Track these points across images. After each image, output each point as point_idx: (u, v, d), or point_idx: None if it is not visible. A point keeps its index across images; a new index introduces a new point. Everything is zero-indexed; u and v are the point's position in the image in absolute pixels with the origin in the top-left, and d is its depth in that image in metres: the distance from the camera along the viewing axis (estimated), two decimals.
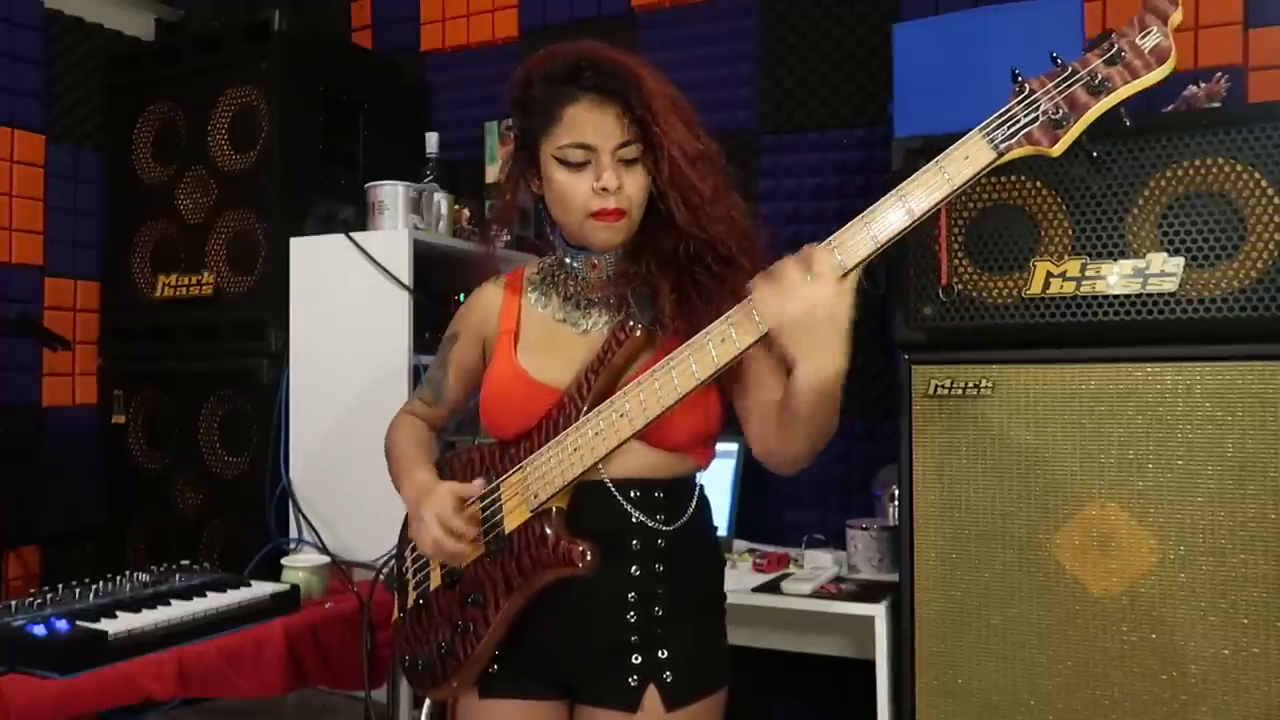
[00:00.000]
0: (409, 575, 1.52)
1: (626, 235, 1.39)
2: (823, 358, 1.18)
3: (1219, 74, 1.91)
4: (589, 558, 1.29)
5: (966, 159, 1.15)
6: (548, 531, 1.32)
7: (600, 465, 1.34)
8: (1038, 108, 1.13)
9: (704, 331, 1.25)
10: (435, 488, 1.40)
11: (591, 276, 1.44)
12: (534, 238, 2.54)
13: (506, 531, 1.36)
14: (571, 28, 2.94)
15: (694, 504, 1.44)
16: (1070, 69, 1.13)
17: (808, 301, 1.16)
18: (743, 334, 1.22)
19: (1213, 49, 2.24)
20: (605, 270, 1.43)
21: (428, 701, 1.60)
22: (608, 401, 1.31)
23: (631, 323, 1.33)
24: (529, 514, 1.34)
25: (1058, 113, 1.13)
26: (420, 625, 1.47)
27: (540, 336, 1.46)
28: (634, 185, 1.36)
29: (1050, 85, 1.14)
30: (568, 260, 1.46)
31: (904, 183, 1.17)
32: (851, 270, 1.18)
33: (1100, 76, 1.12)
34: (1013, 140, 1.14)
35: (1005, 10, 1.95)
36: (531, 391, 1.41)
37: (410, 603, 1.49)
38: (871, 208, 1.17)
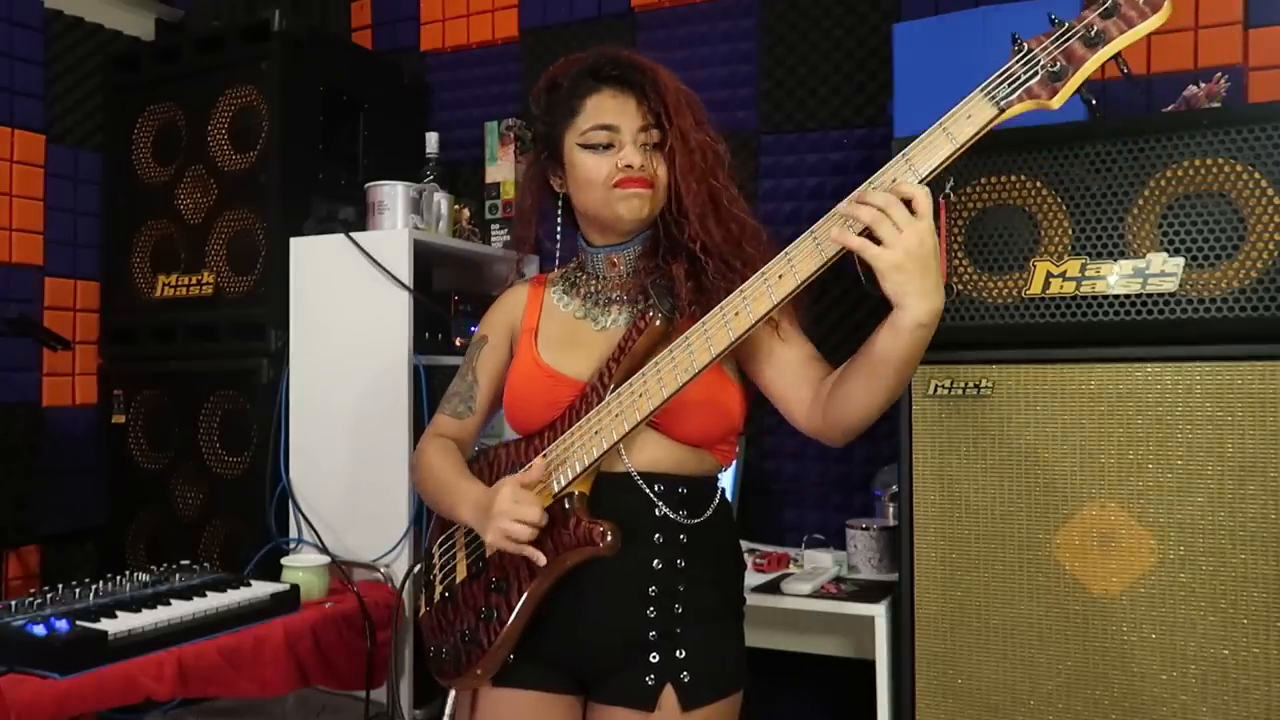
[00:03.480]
0: (436, 572, 1.53)
1: (652, 209, 1.42)
2: (936, 295, 1.16)
3: (1219, 74, 1.91)
4: (609, 538, 1.30)
5: (969, 118, 1.16)
6: (569, 514, 1.34)
7: (625, 456, 1.37)
8: (1037, 63, 1.15)
9: (719, 307, 1.28)
10: (498, 491, 1.35)
11: (611, 275, 1.48)
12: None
13: None
14: (572, 27, 2.94)
15: (716, 503, 1.46)
16: (1067, 25, 1.16)
17: (921, 238, 1.13)
18: (757, 304, 1.25)
19: (1213, 49, 2.24)
20: (624, 267, 1.47)
21: (452, 694, 1.59)
22: (626, 384, 1.34)
23: (651, 312, 1.36)
24: (551, 499, 1.36)
25: (1055, 66, 1.14)
26: (445, 617, 1.48)
27: (561, 332, 1.48)
28: (658, 168, 1.41)
29: (1048, 42, 1.16)
30: (587, 261, 1.50)
31: (909, 146, 1.18)
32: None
33: (1096, 29, 1.14)
34: (1013, 96, 1.15)
35: (1005, 10, 1.94)
36: (554, 383, 1.43)
37: (437, 597, 1.50)
38: (878, 172, 1.19)
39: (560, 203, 1.51)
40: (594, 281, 1.49)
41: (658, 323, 1.35)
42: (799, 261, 1.24)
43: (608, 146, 1.40)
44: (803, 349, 1.42)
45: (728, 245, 1.39)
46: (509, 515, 1.31)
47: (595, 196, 1.42)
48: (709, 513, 1.43)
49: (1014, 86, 1.15)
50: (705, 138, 1.41)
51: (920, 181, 1.16)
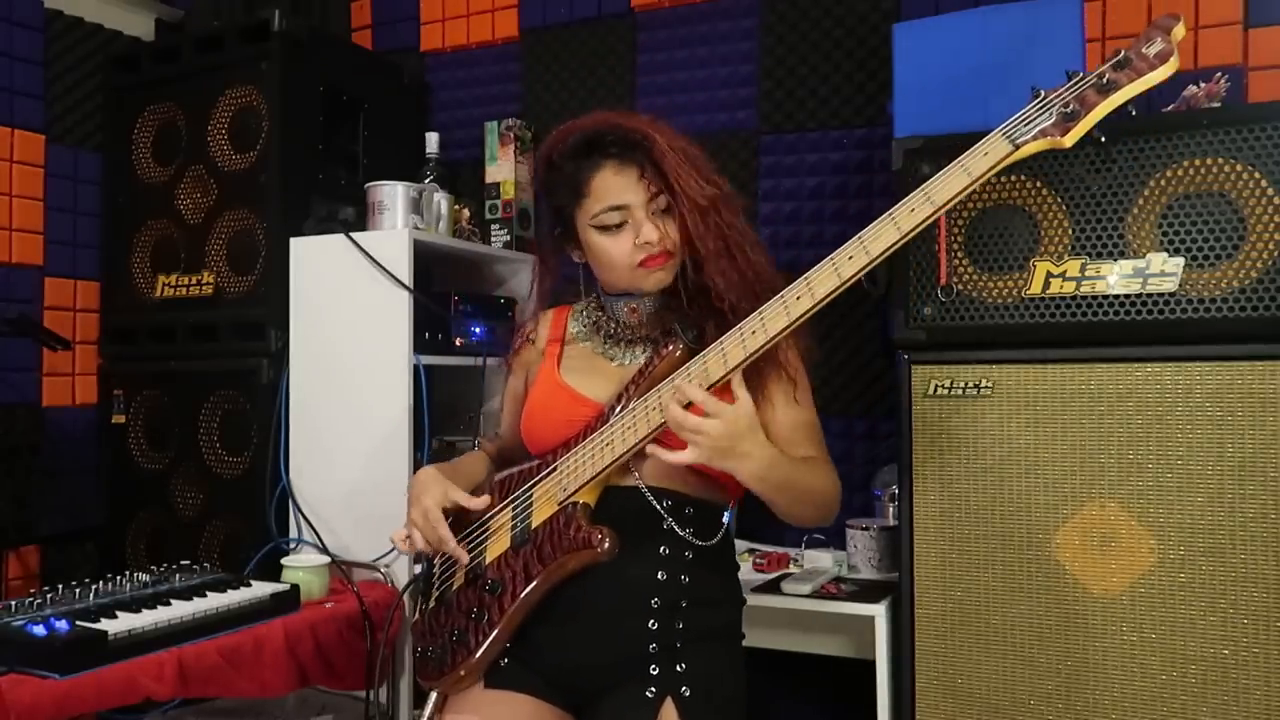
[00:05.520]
0: (435, 578, 1.54)
1: (674, 272, 1.47)
2: (753, 459, 1.27)
3: (1219, 74, 1.91)
4: (607, 543, 1.31)
5: (985, 155, 1.26)
6: (570, 520, 1.35)
7: (635, 470, 1.38)
8: (1052, 108, 1.26)
9: (735, 328, 1.33)
10: (426, 489, 1.47)
11: (631, 321, 1.52)
12: (532, 237, 2.53)
13: (533, 526, 1.38)
14: (572, 27, 2.94)
15: (722, 533, 1.47)
16: (1081, 75, 1.27)
17: (715, 435, 1.24)
18: (773, 323, 1.29)
19: (1213, 49, 2.24)
20: (644, 314, 1.51)
21: (432, 696, 1.56)
22: (641, 400, 1.36)
23: (671, 344, 1.39)
24: (556, 507, 1.37)
25: (1069, 108, 1.25)
26: (438, 620, 1.48)
27: (581, 361, 1.53)
28: (673, 229, 1.44)
29: (1064, 90, 1.27)
30: (607, 305, 1.55)
31: (929, 181, 1.29)
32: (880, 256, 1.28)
33: (1108, 78, 1.25)
34: (1029, 135, 1.25)
35: (1005, 10, 1.94)
36: (574, 401, 1.46)
37: (432, 602, 1.50)
38: (894, 208, 1.29)
39: (581, 268, 1.57)
40: (613, 324, 1.54)
41: (678, 353, 1.38)
42: (816, 284, 1.30)
43: (621, 224, 1.42)
44: (790, 416, 1.44)
45: (743, 285, 1.41)
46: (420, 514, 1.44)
47: (620, 276, 1.47)
48: (715, 540, 1.44)
49: (1030, 127, 1.25)
50: (713, 191, 1.42)
51: (940, 208, 1.25)
